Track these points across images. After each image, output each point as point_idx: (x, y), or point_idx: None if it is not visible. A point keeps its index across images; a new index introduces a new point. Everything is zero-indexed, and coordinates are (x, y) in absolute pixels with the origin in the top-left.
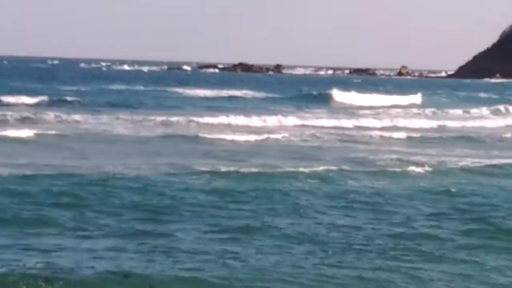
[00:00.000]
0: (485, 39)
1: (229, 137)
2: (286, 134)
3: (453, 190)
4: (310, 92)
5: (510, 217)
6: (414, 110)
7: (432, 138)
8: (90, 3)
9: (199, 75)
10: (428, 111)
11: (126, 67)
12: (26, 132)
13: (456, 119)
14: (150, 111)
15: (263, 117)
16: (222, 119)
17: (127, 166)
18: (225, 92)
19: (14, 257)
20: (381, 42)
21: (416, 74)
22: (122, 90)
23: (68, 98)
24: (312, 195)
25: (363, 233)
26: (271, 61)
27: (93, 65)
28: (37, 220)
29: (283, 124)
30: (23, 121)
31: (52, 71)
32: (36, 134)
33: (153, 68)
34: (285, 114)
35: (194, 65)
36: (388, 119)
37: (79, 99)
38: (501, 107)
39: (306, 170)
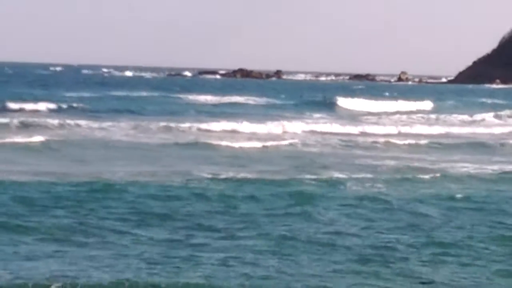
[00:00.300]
0: (485, 45)
1: (236, 144)
2: (295, 141)
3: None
4: (314, 98)
5: None
6: (432, 116)
7: (448, 144)
8: (90, 10)
9: (200, 81)
10: (443, 116)
11: (127, 73)
12: (31, 138)
13: (470, 125)
14: (154, 117)
15: (269, 123)
16: (227, 125)
17: (136, 172)
18: (228, 98)
19: (18, 265)
20: (379, 48)
21: (416, 79)
22: (125, 96)
23: (74, 105)
24: (328, 200)
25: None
26: (270, 67)
27: (94, 71)
28: (37, 227)
29: (289, 130)
30: (27, 128)
31: (55, 77)
32: (39, 141)
33: (154, 74)
34: (290, 120)
35: (195, 71)
36: (403, 125)
37: (83, 105)
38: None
39: (324, 177)
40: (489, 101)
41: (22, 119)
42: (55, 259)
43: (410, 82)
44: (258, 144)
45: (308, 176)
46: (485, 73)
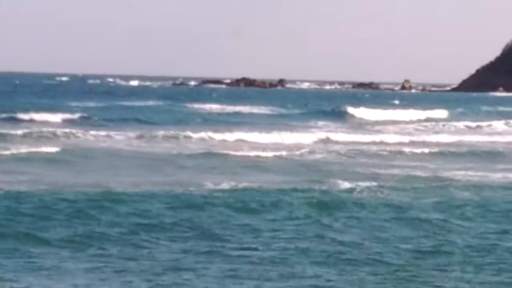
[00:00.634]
0: (488, 52)
1: (252, 153)
2: (307, 150)
3: None
4: (321, 107)
5: None
6: (457, 124)
7: (469, 153)
8: (91, 14)
9: (205, 90)
10: (462, 124)
11: (132, 83)
12: (41, 148)
13: (490, 134)
14: (162, 126)
15: (278, 133)
16: (236, 135)
17: (153, 182)
18: (233, 108)
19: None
20: (382, 56)
21: (420, 88)
22: (132, 105)
23: (83, 115)
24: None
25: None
26: (273, 76)
27: (100, 81)
28: (43, 237)
29: (300, 140)
30: (39, 138)
31: (62, 87)
32: (51, 151)
33: (158, 83)
34: (299, 130)
35: (199, 80)
36: (419, 134)
37: (91, 115)
38: None
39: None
40: (500, 108)
41: (34, 129)
42: (62, 270)
43: (413, 90)
44: (269, 154)
45: (326, 188)
46: (489, 81)
